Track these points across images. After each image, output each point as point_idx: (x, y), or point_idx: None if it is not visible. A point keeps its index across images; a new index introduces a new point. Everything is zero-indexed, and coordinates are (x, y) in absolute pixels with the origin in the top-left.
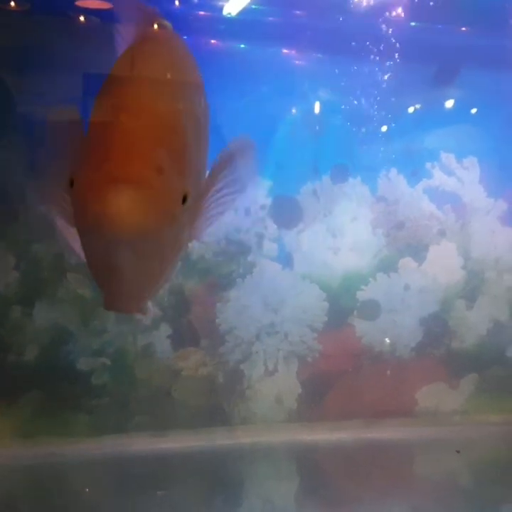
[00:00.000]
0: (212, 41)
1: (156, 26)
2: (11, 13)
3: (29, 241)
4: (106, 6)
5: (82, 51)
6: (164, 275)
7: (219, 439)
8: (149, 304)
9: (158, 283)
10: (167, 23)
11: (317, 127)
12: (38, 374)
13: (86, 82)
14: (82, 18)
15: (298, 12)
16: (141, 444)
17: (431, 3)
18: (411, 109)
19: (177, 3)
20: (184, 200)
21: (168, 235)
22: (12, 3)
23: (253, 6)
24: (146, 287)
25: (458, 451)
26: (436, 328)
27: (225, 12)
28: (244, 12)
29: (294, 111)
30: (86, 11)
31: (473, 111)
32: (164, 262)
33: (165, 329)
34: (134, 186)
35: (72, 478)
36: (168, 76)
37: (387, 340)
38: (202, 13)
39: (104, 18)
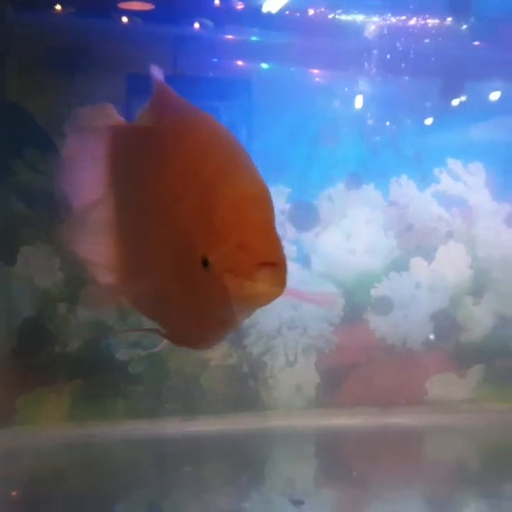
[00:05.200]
0: (239, 62)
1: (197, 25)
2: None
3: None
4: (148, 7)
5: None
6: None
7: (244, 423)
8: None
9: None
10: (209, 22)
11: (334, 138)
12: (81, 364)
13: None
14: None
15: (313, 33)
16: (173, 427)
17: (436, 22)
18: (419, 119)
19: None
20: None
21: None
22: (58, 7)
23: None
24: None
25: None
26: (446, 323)
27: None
28: (267, 35)
29: (310, 123)
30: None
31: (478, 119)
32: None
33: None
34: (280, 267)
35: (110, 457)
36: (250, 159)
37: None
38: (230, 36)
39: (147, 19)
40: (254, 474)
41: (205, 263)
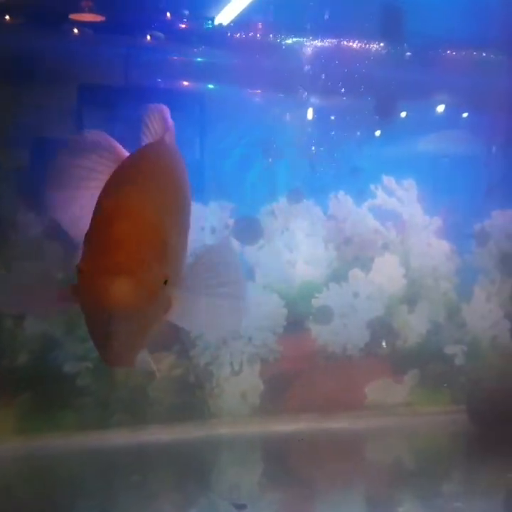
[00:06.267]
0: (185, 83)
1: (149, 37)
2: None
3: (19, 259)
4: (99, 18)
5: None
6: (147, 337)
7: (191, 432)
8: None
9: (142, 344)
10: (160, 34)
11: (275, 155)
12: (29, 377)
13: (82, 92)
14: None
15: (257, 55)
16: (122, 437)
17: (372, 47)
18: (355, 138)
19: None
20: (165, 282)
21: (151, 307)
22: (7, 17)
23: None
24: (133, 347)
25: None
26: (382, 330)
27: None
28: (214, 56)
29: (252, 141)
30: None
31: (411, 138)
32: (147, 327)
33: None
34: (123, 275)
35: (61, 469)
36: (159, 186)
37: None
38: (177, 57)
39: (97, 30)
40: (200, 481)
41: (77, 271)
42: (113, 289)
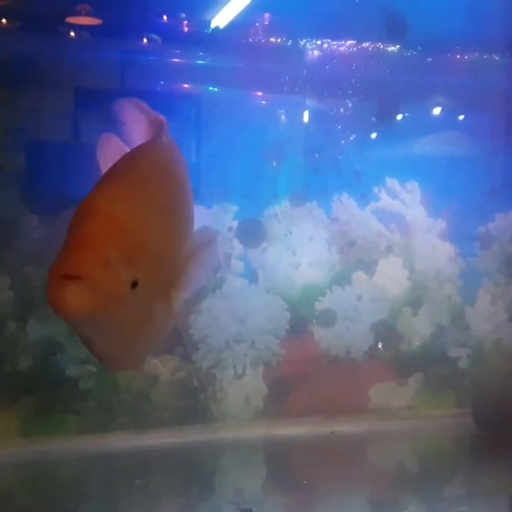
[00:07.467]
0: (187, 86)
1: (145, 40)
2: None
3: (22, 264)
4: (95, 22)
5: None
6: (140, 342)
7: (193, 435)
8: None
9: (133, 348)
10: (157, 37)
11: (278, 158)
12: (31, 381)
13: (80, 95)
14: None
15: (258, 58)
16: (124, 441)
17: (374, 49)
18: (358, 141)
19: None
20: (134, 285)
21: (123, 312)
22: (4, 20)
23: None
24: (121, 352)
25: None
26: (386, 333)
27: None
28: (214, 58)
29: (255, 143)
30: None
31: (413, 140)
32: (131, 333)
33: None
34: (78, 281)
35: (62, 472)
36: (148, 187)
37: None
38: (177, 59)
39: (94, 33)
40: (204, 485)
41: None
42: (65, 294)
